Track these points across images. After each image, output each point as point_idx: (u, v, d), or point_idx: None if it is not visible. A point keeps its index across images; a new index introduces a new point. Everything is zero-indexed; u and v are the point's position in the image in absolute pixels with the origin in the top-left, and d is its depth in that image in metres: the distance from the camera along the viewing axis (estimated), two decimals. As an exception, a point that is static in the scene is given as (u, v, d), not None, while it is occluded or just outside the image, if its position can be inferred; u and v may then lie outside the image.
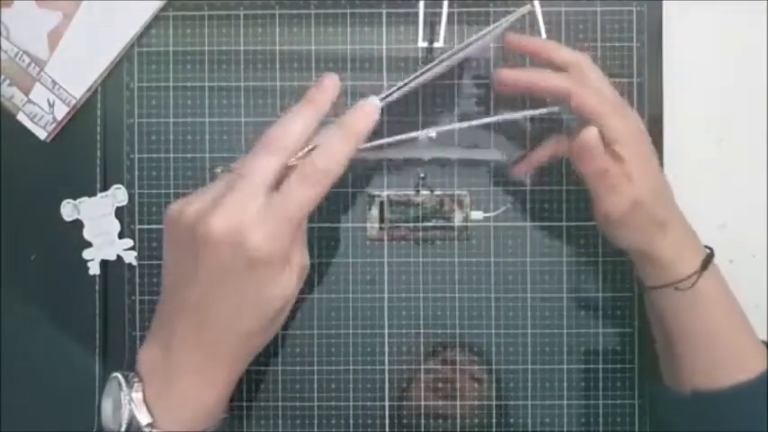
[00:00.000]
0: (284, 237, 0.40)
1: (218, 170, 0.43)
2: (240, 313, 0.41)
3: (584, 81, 0.46)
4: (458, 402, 0.53)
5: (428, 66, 0.46)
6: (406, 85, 0.45)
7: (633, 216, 0.45)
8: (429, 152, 0.52)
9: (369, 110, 0.43)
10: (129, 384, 0.41)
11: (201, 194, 0.42)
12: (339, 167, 0.41)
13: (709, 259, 0.46)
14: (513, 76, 0.48)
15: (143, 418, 0.41)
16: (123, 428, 0.41)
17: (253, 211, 0.40)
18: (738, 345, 0.46)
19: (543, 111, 0.48)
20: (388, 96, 0.44)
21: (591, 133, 0.44)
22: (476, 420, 0.53)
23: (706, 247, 0.47)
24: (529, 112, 0.49)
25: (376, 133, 0.44)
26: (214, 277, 0.40)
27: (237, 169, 0.41)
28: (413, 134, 0.46)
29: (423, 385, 0.53)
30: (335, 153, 0.41)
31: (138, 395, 0.41)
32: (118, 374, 0.42)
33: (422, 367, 0.53)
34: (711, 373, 0.46)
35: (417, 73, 0.46)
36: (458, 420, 0.52)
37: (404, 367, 0.53)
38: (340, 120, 0.43)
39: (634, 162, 0.45)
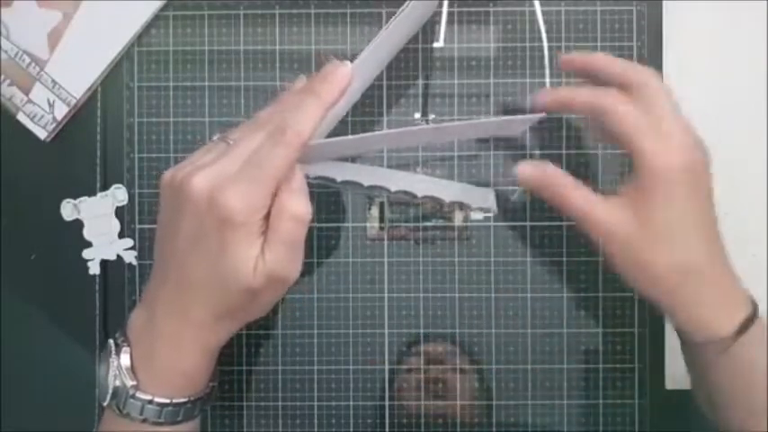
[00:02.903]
0: (256, 198, 0.40)
1: (216, 137, 0.44)
2: (212, 278, 0.41)
3: (640, 102, 0.42)
4: (457, 402, 0.53)
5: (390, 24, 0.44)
6: (377, 48, 0.44)
7: (643, 278, 0.42)
8: (424, 187, 0.50)
9: (340, 75, 0.42)
10: (118, 348, 0.42)
11: (192, 158, 0.43)
12: (309, 131, 0.40)
13: (746, 325, 0.41)
14: (577, 60, 0.45)
15: (127, 381, 0.41)
16: (110, 391, 0.42)
17: (228, 173, 0.40)
18: None
19: (528, 117, 0.46)
20: (357, 59, 0.43)
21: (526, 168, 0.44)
22: (475, 420, 0.53)
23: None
24: (509, 117, 0.48)
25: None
26: (190, 239, 0.40)
27: (230, 138, 0.42)
28: (409, 128, 0.46)
29: (423, 385, 0.53)
30: (306, 118, 0.41)
31: (124, 358, 0.42)
32: (110, 339, 0.43)
33: (422, 367, 0.53)
34: (748, 424, 0.42)
35: (383, 32, 0.44)
36: (457, 420, 0.52)
37: (404, 367, 0.53)
38: (311, 84, 0.42)
39: (660, 206, 0.40)
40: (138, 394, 0.42)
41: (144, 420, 0.42)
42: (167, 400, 0.42)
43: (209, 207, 0.39)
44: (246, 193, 0.39)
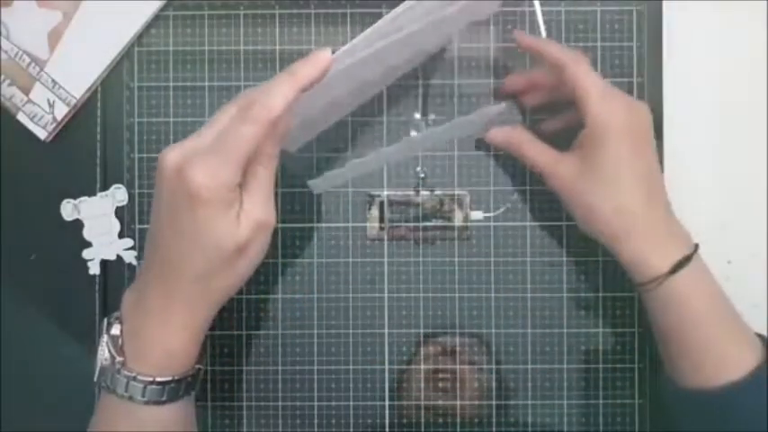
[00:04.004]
0: (223, 173, 0.40)
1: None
2: (187, 253, 0.41)
3: (589, 70, 0.47)
4: (458, 402, 0.53)
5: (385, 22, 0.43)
6: (366, 42, 0.43)
7: (589, 220, 0.47)
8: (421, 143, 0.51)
9: (319, 59, 0.42)
10: (109, 326, 0.43)
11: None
12: (278, 108, 0.40)
13: (682, 263, 0.45)
14: (528, 39, 0.49)
15: (115, 357, 0.42)
16: (98, 366, 0.43)
17: (199, 148, 0.41)
18: (724, 343, 0.45)
19: (494, 107, 0.50)
20: (341, 51, 0.43)
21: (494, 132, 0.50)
22: (476, 420, 0.53)
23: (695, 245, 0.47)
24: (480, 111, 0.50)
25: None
26: (168, 215, 0.41)
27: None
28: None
29: (423, 385, 0.53)
30: (276, 94, 0.41)
31: (114, 335, 0.43)
32: (105, 318, 0.44)
33: (422, 367, 0.53)
34: (698, 372, 0.45)
35: (372, 28, 0.43)
36: (458, 420, 0.52)
37: (404, 367, 0.53)
38: (290, 66, 0.42)
39: (603, 158, 0.46)
40: (124, 370, 0.42)
41: (130, 398, 0.42)
42: (150, 378, 0.42)
43: (179, 183, 0.40)
44: (213, 169, 0.40)
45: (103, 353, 0.43)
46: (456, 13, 0.46)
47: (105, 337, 0.43)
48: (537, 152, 0.49)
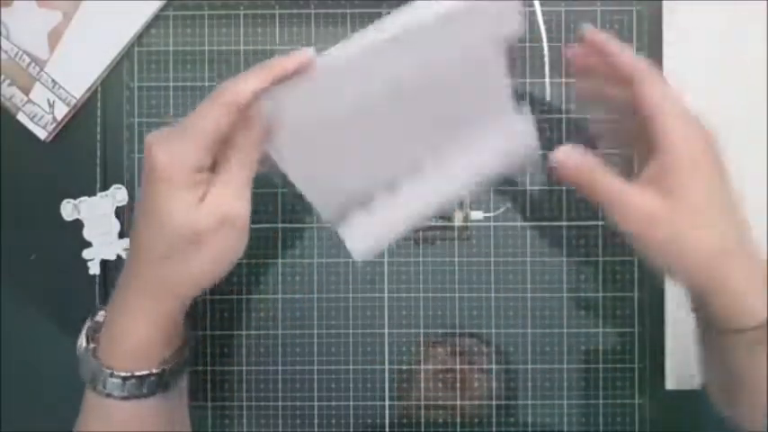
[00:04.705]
0: (182, 153, 0.40)
1: None
2: (148, 234, 0.41)
3: (667, 86, 0.42)
4: (458, 402, 0.53)
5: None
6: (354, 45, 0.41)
7: (674, 259, 0.41)
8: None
9: (297, 53, 0.41)
10: (93, 314, 0.45)
11: None
12: (246, 94, 0.40)
13: None
14: (597, 35, 0.44)
15: (85, 344, 0.43)
16: (78, 353, 0.44)
17: (165, 132, 0.41)
18: None
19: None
20: (329, 53, 0.41)
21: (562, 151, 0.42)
22: (476, 420, 0.53)
23: None
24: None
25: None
26: (139, 197, 0.42)
27: None
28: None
29: (423, 385, 0.53)
30: (245, 79, 0.40)
31: (97, 321, 0.44)
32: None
33: (422, 367, 0.53)
34: None
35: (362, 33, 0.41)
36: (457, 420, 0.52)
37: (404, 367, 0.53)
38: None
39: (694, 193, 0.40)
40: (93, 359, 0.42)
41: (93, 389, 0.42)
42: (110, 371, 0.42)
43: (147, 161, 0.40)
44: (174, 147, 0.40)
45: (81, 340, 0.44)
46: (463, 19, 0.42)
47: (88, 323, 0.44)
48: (610, 185, 0.41)
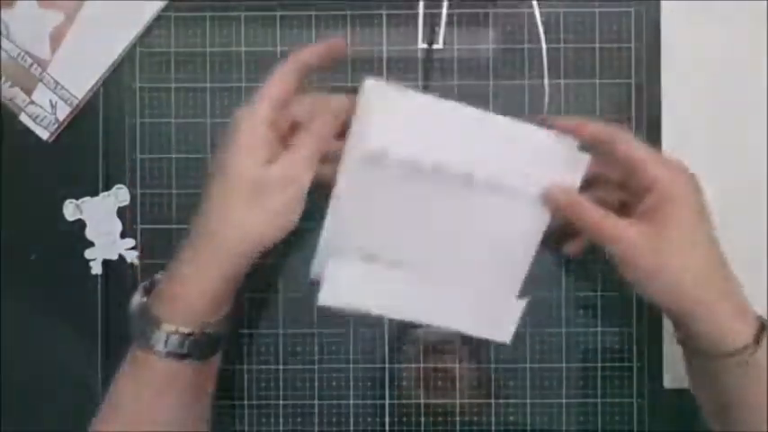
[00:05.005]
0: (254, 109, 0.44)
1: None
2: (218, 185, 0.44)
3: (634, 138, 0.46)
4: (457, 401, 0.53)
5: None
6: None
7: (660, 286, 0.44)
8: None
9: (331, 41, 0.47)
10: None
11: None
12: (306, 53, 0.45)
13: (762, 331, 0.43)
14: (562, 121, 0.47)
15: (140, 298, 0.45)
16: (129, 309, 0.45)
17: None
18: None
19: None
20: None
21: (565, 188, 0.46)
22: (475, 419, 0.53)
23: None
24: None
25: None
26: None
27: None
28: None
29: (422, 384, 0.53)
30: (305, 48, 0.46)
31: (149, 281, 0.46)
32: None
33: (421, 366, 0.53)
34: None
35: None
36: (457, 419, 0.53)
37: (404, 366, 0.53)
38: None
39: (677, 226, 0.44)
40: (146, 316, 0.44)
41: (150, 348, 0.43)
42: (173, 327, 0.43)
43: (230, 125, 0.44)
44: (248, 108, 0.44)
45: (136, 296, 0.46)
46: (536, 146, 0.46)
47: (146, 281, 0.46)
48: (600, 216, 0.45)
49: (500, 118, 0.45)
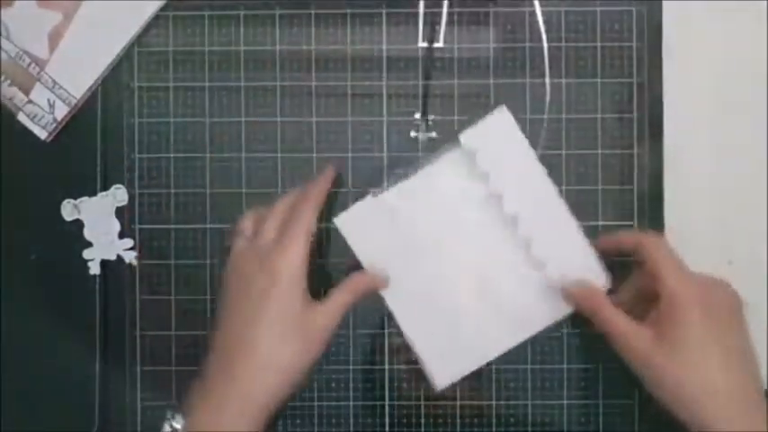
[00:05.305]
0: (293, 254, 0.47)
1: None
2: (248, 323, 0.46)
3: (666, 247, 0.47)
4: (457, 402, 0.53)
5: None
6: None
7: (663, 393, 0.45)
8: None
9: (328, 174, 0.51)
10: (173, 416, 0.46)
11: None
12: (321, 183, 0.50)
13: None
14: (607, 241, 0.50)
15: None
16: None
17: (253, 242, 0.49)
18: None
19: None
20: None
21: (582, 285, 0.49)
22: (475, 420, 0.53)
23: None
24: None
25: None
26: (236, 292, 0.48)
27: None
28: None
29: (423, 385, 0.53)
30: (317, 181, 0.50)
31: (176, 428, 0.45)
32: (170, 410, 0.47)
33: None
34: None
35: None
36: (457, 420, 0.52)
37: (404, 366, 0.53)
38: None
39: (683, 335, 0.44)
40: None
41: None
42: None
43: (261, 271, 0.47)
44: (285, 252, 0.47)
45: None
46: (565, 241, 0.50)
47: (167, 427, 0.45)
48: (614, 318, 0.46)
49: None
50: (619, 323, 0.46)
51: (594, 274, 0.50)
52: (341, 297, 0.48)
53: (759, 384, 0.45)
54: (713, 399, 0.43)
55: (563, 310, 0.51)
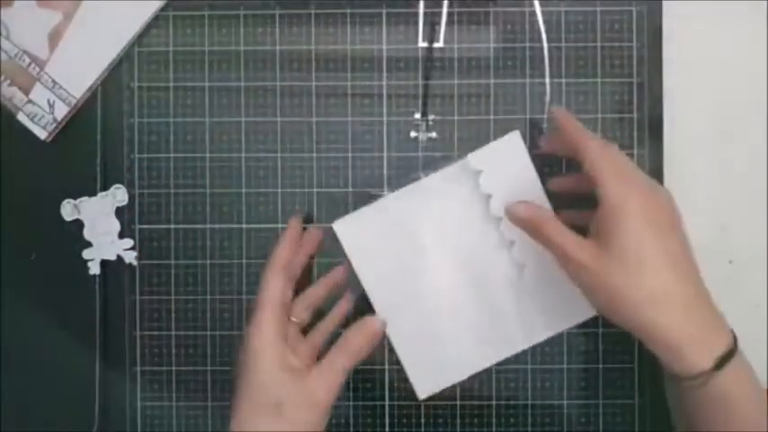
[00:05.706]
0: (262, 322, 0.47)
1: None
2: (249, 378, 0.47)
3: (608, 153, 0.45)
4: (457, 402, 0.53)
5: None
6: None
7: (607, 306, 0.44)
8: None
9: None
10: None
11: None
12: (282, 250, 0.49)
13: (726, 357, 0.42)
14: (561, 114, 0.48)
15: None
16: None
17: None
18: None
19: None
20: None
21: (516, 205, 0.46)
22: (476, 420, 0.53)
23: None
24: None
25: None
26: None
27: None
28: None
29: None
30: (280, 247, 0.49)
31: None
32: None
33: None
34: None
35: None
36: (457, 420, 0.52)
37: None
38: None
39: (622, 242, 0.42)
40: None
41: None
42: None
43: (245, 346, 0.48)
44: (255, 322, 0.47)
45: None
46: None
47: None
48: (557, 234, 0.44)
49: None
50: (561, 237, 0.44)
51: (585, 303, 0.48)
52: (339, 360, 0.47)
53: (699, 288, 0.44)
54: (654, 305, 0.42)
55: (546, 331, 0.51)
